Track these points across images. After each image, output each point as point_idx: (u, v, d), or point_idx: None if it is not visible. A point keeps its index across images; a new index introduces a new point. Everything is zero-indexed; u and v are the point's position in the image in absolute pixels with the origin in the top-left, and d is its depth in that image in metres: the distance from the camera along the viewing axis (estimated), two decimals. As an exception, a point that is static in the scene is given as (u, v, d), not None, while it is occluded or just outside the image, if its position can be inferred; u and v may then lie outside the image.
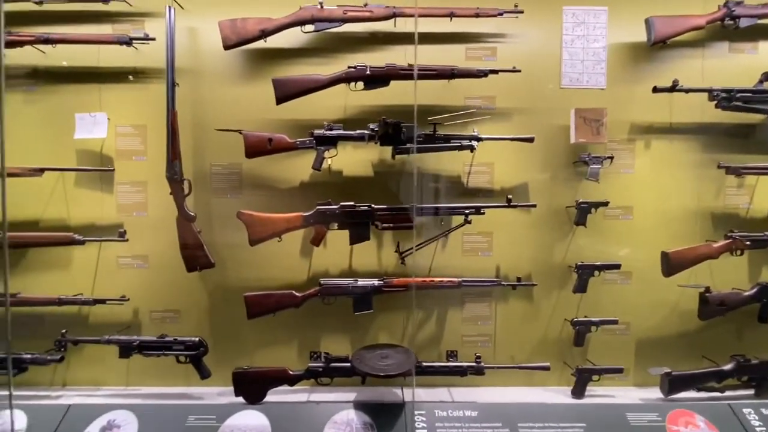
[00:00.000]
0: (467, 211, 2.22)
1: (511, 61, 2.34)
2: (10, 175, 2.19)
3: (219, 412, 2.10)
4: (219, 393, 2.33)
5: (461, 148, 2.23)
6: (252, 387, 2.15)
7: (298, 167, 2.38)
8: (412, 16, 2.19)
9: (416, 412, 2.14)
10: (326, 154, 2.23)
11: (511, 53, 2.40)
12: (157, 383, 2.38)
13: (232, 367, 2.24)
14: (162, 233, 2.33)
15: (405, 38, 2.37)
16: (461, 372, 2.21)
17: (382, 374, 2.08)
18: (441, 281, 2.27)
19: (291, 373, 2.16)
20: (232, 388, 2.23)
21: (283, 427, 2.04)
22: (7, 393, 2.11)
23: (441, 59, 2.33)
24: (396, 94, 2.31)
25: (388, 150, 2.32)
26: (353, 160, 2.39)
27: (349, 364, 2.16)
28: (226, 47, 2.17)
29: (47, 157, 2.34)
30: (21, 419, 2.09)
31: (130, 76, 2.34)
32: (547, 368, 2.24)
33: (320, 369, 2.15)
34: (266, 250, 2.29)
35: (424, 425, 2.10)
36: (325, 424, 2.07)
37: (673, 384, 2.28)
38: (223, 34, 2.15)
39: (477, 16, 2.18)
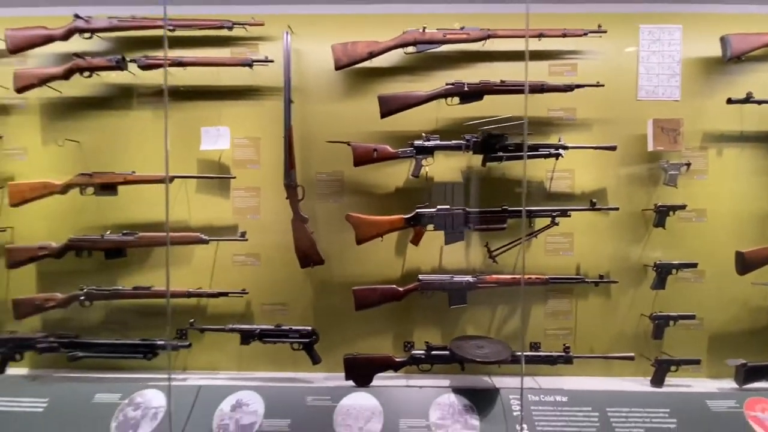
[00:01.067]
0: (555, 214, 2.45)
1: (590, 76, 2.56)
2: (146, 181, 2.48)
3: (333, 393, 2.37)
4: (325, 378, 2.58)
5: (549, 156, 2.45)
6: (361, 371, 2.39)
7: (392, 174, 2.62)
8: (505, 37, 2.42)
9: (511, 397, 2.37)
10: (423, 162, 2.49)
11: (590, 68, 2.61)
12: (266, 368, 2.62)
13: (333, 355, 2.52)
14: (272, 234, 2.60)
15: (489, 56, 2.57)
16: (552, 361, 2.43)
17: (482, 360, 2.29)
18: (530, 278, 2.49)
19: (396, 359, 2.42)
20: (334, 374, 2.53)
21: (392, 408, 2.28)
22: (143, 375, 2.46)
23: (518, 75, 2.51)
24: (483, 106, 2.50)
25: (474, 158, 2.55)
26: (442, 167, 2.60)
27: (448, 352, 2.40)
28: (338, 68, 2.45)
29: (172, 166, 2.64)
30: (159, 398, 2.38)
31: (247, 94, 2.60)
32: (631, 358, 2.44)
33: (423, 356, 2.39)
34: (363, 248, 2.53)
35: (519, 408, 2.32)
36: (430, 405, 2.32)
37: (748, 374, 2.45)
38: (335, 56, 2.43)
39: (564, 36, 2.40)
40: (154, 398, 2.37)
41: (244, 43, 2.62)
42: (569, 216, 2.46)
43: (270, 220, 2.62)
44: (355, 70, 2.59)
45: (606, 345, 2.64)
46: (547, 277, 2.47)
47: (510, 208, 2.45)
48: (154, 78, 2.64)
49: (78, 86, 2.63)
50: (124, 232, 2.52)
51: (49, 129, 2.68)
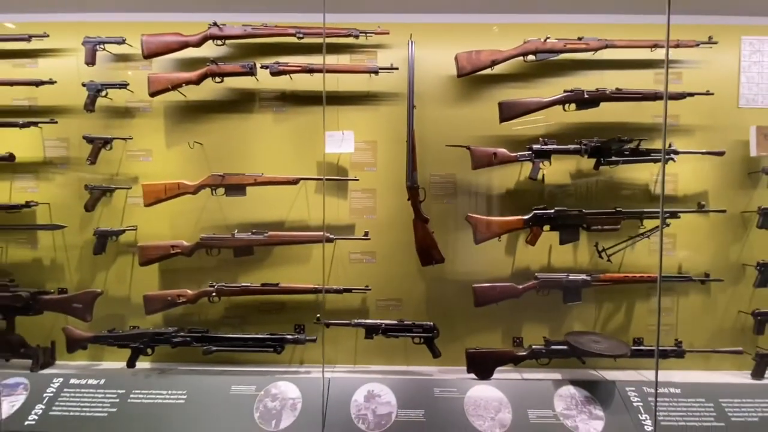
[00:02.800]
0: (665, 216, 2.57)
1: (693, 84, 2.69)
2: (275, 183, 2.59)
3: (459, 386, 2.49)
4: (439, 371, 2.71)
5: (658, 160, 2.56)
6: (483, 365, 2.52)
7: (501, 176, 2.73)
8: (622, 47, 2.55)
9: (627, 388, 2.49)
10: (540, 165, 2.60)
11: (694, 77, 2.73)
12: (380, 362, 2.74)
13: (445, 350, 2.61)
14: (388, 233, 2.73)
15: (598, 64, 2.68)
16: (664, 355, 2.54)
17: (603, 354, 2.40)
18: (641, 276, 2.61)
19: (517, 353, 2.54)
20: (446, 367, 2.64)
21: (516, 400, 2.40)
22: (261, 369, 2.58)
23: (626, 82, 2.63)
24: (594, 113, 2.62)
25: (582, 161, 2.65)
26: (551, 170, 2.70)
27: (566, 347, 2.52)
28: (461, 75, 2.57)
29: (292, 169, 2.75)
30: (293, 390, 2.48)
31: (365, 99, 2.72)
32: (740, 352, 2.57)
33: (543, 350, 2.52)
34: (473, 247, 2.63)
35: (638, 399, 2.45)
36: (551, 397, 2.45)
37: None
38: (460, 64, 2.54)
39: (677, 46, 2.53)
40: (289, 390, 2.49)
41: (363, 50, 2.74)
42: (679, 217, 2.60)
43: (385, 220, 2.75)
44: (469, 77, 2.67)
45: (705, 340, 2.77)
46: (656, 275, 2.63)
47: (624, 210, 2.56)
48: (275, 83, 2.75)
49: (201, 90, 2.73)
50: (253, 231, 2.64)
51: (173, 132, 2.79)
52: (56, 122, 2.64)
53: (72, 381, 2.53)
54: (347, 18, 2.70)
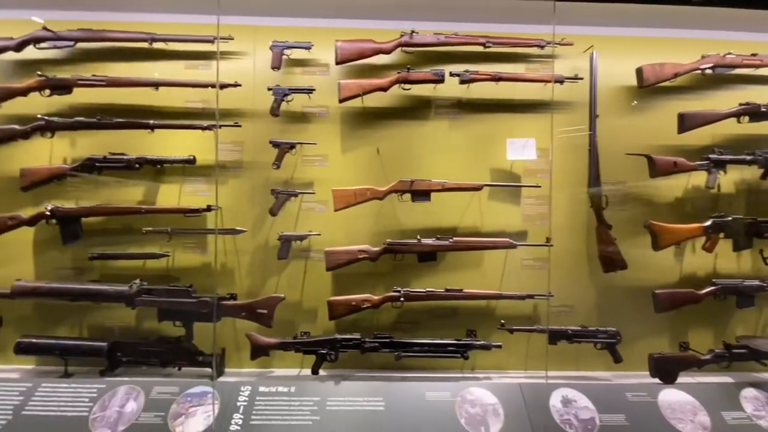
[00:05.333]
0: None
1: None
2: (461, 189, 2.60)
3: (649, 390, 2.52)
4: (613, 375, 2.72)
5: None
6: (667, 369, 2.56)
7: (671, 185, 2.76)
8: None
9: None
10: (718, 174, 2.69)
11: None
12: (552, 368, 2.66)
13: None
14: (559, 240, 2.71)
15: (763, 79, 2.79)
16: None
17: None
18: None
19: (701, 357, 2.59)
20: (620, 372, 2.63)
21: (707, 403, 2.41)
22: (443, 375, 2.58)
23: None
24: (752, 125, 2.72)
25: (747, 170, 2.72)
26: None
27: (745, 350, 2.58)
28: (644, 86, 2.64)
29: (465, 175, 2.76)
30: (488, 396, 2.42)
31: (539, 108, 2.75)
32: None
33: (726, 354, 2.58)
34: (640, 252, 2.68)
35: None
36: (738, 399, 2.48)
37: None
38: (644, 75, 2.63)
39: None
40: (484, 396, 2.49)
41: (539, 60, 2.80)
42: None
43: (557, 226, 2.76)
44: (634, 88, 2.73)
45: None
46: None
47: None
48: (449, 90, 2.77)
49: (378, 97, 2.71)
50: (438, 236, 2.64)
51: (349, 137, 2.79)
52: (239, 126, 2.60)
53: (261, 389, 2.47)
54: (514, 29, 2.74)
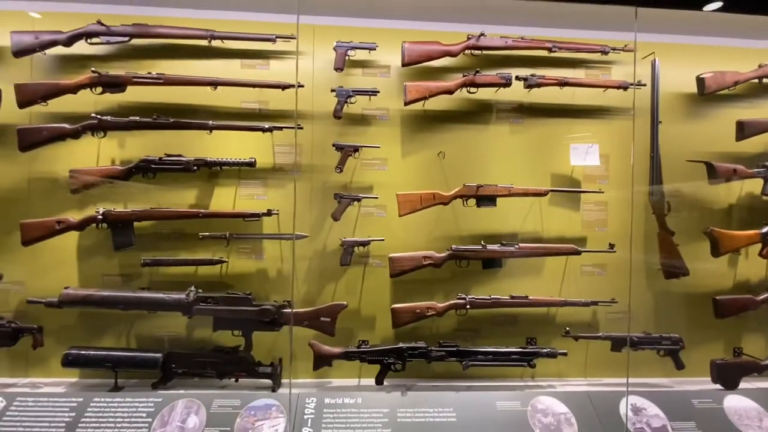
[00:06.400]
0: None
1: None
2: (524, 194, 2.58)
3: (713, 396, 2.52)
4: (671, 381, 2.71)
5: None
6: (730, 375, 2.57)
7: (726, 191, 2.79)
8: None
9: None
10: (772, 182, 2.72)
11: None
12: (608, 374, 2.69)
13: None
14: (618, 246, 2.66)
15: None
16: None
17: None
18: None
19: (762, 363, 2.61)
20: (676, 378, 2.63)
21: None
22: (504, 384, 2.57)
23: None
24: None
25: None
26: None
27: (805, 356, 2.63)
28: (705, 93, 2.66)
29: (526, 180, 2.73)
30: (558, 405, 2.38)
31: (597, 113, 2.74)
32: None
33: (788, 361, 2.62)
34: (692, 259, 2.67)
35: None
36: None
37: None
38: (707, 83, 2.65)
39: None
40: (554, 404, 2.44)
41: (597, 65, 2.78)
42: None
43: (616, 233, 2.76)
44: (687, 95, 2.79)
45: None
46: None
47: None
48: (509, 94, 2.73)
49: (438, 100, 2.65)
50: (503, 242, 2.60)
51: (409, 141, 2.73)
52: (302, 128, 2.52)
53: (327, 400, 2.39)
54: (567, 34, 2.72)
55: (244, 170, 2.61)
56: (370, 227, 2.68)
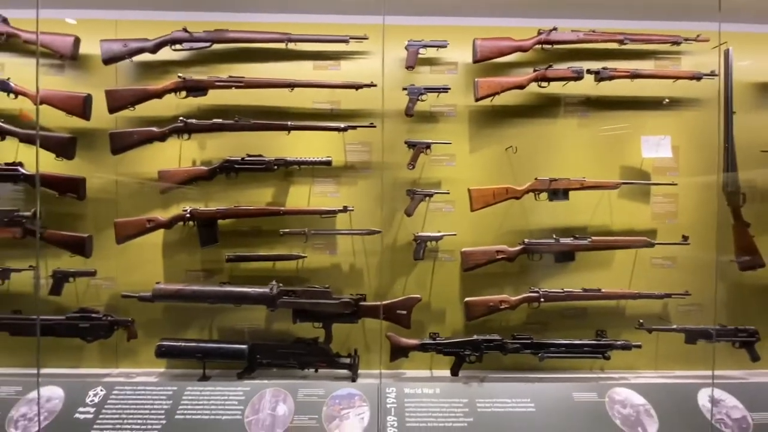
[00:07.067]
0: None
1: None
2: (597, 188, 2.58)
3: (793, 388, 2.54)
4: (745, 374, 2.70)
5: None
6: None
7: None
8: None
9: None
10: None
11: None
12: (678, 367, 2.69)
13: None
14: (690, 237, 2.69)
15: None
16: None
17: None
18: None
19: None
20: (749, 370, 2.61)
21: None
22: (575, 375, 2.59)
23: None
24: None
25: None
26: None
27: None
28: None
29: (594, 173, 2.72)
30: (636, 396, 2.38)
31: (666, 105, 2.73)
32: None
33: None
34: (763, 250, 2.64)
35: None
36: None
37: None
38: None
39: None
40: (632, 396, 2.44)
41: (665, 57, 2.75)
42: None
43: (686, 225, 2.74)
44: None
45: None
46: None
47: None
48: (577, 88, 2.73)
49: (503, 95, 2.66)
50: (575, 236, 2.63)
51: (477, 136, 2.76)
52: (374, 126, 2.58)
53: (407, 390, 2.46)
54: (634, 25, 2.72)
55: (317, 169, 2.71)
56: (439, 222, 2.72)
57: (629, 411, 2.42)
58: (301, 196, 2.72)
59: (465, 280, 2.75)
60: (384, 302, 2.57)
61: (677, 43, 2.60)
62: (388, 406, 2.39)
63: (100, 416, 2.29)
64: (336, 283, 2.71)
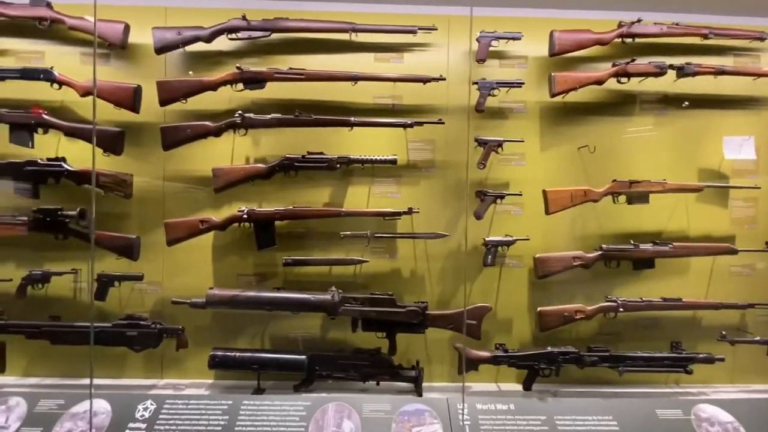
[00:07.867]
0: None
1: None
2: (678, 190, 2.44)
3: None
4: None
5: None
6: None
7: None
8: None
9: None
10: None
11: None
12: (760, 381, 2.57)
13: None
14: None
15: None
16: None
17: None
18: None
19: None
20: None
21: None
22: (640, 390, 2.44)
23: None
24: None
25: None
26: None
27: None
28: None
29: (671, 174, 2.56)
30: (722, 413, 2.21)
31: (745, 104, 2.57)
32: None
33: None
34: None
35: None
36: None
37: None
38: None
39: None
40: (717, 413, 2.24)
41: (745, 53, 2.59)
42: None
43: (767, 231, 2.63)
44: None
45: None
46: None
47: None
48: (654, 85, 2.58)
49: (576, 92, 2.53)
50: (655, 242, 2.47)
51: (547, 134, 2.60)
52: (443, 122, 2.41)
53: (479, 406, 2.30)
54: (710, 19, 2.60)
55: (378, 168, 2.54)
56: (506, 225, 2.55)
57: (717, 429, 2.25)
58: (360, 196, 2.55)
59: (534, 288, 2.58)
60: (453, 311, 2.41)
61: (761, 39, 2.46)
62: (463, 423, 2.28)
63: (153, 433, 2.18)
64: (395, 289, 2.51)
